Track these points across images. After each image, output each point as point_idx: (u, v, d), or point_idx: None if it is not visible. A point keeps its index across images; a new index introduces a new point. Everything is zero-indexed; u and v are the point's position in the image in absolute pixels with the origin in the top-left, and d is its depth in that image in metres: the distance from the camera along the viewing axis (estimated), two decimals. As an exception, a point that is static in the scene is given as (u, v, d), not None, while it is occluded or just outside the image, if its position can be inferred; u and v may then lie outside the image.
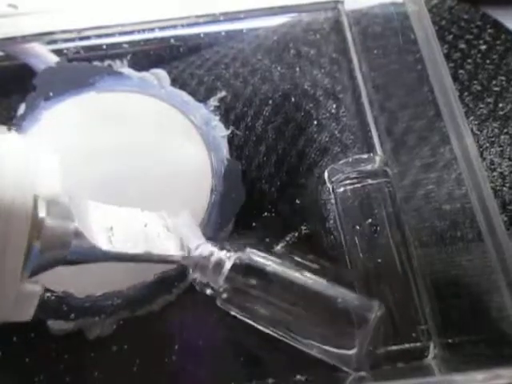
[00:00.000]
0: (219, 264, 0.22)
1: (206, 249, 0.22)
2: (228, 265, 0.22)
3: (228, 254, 0.22)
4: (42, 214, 0.18)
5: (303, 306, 0.22)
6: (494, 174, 0.28)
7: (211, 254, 0.22)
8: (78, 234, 0.19)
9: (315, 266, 0.24)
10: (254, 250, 0.23)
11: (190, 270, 0.22)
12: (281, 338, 0.22)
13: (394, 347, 0.23)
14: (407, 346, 0.23)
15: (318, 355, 0.22)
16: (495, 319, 0.22)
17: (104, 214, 0.21)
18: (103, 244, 0.20)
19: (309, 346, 0.22)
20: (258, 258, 0.23)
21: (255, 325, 0.23)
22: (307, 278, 0.22)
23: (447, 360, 0.23)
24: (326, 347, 0.22)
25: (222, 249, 0.23)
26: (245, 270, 0.22)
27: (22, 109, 0.29)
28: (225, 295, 0.22)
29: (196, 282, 0.23)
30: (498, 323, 0.22)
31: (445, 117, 0.23)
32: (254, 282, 0.22)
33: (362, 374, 0.22)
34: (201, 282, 0.22)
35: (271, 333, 0.22)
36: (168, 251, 0.22)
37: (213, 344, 0.24)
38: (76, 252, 0.19)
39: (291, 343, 0.22)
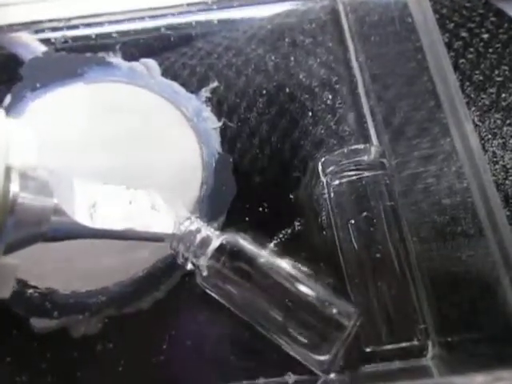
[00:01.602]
0: (205, 242, 0.22)
1: (193, 224, 0.22)
2: (215, 244, 0.21)
3: (216, 233, 0.22)
4: (15, 187, 0.17)
5: (282, 303, 0.21)
6: (497, 166, 0.27)
7: (198, 231, 0.22)
8: (57, 210, 0.19)
9: (304, 264, 0.23)
10: (245, 236, 0.22)
11: (174, 242, 0.22)
12: (258, 328, 0.22)
13: (391, 346, 0.22)
14: (405, 345, 0.22)
15: (291, 352, 0.22)
16: (497, 317, 0.21)
17: (87, 191, 0.21)
18: (84, 220, 0.19)
19: (282, 342, 0.22)
20: (247, 244, 0.22)
21: (231, 308, 0.22)
22: (292, 277, 0.22)
23: (446, 360, 0.22)
24: (300, 348, 0.21)
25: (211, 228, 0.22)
26: (231, 253, 0.22)
27: (7, 99, 0.28)
28: (205, 273, 0.21)
29: (178, 253, 0.22)
30: (500, 321, 0.21)
31: (445, 107, 0.22)
32: (237, 266, 0.21)
33: (332, 376, 0.21)
34: (183, 255, 0.22)
35: (247, 319, 0.22)
36: (153, 228, 0.21)
37: (201, 343, 0.23)
38: (56, 228, 0.19)
39: (266, 335, 0.22)
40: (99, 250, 0.24)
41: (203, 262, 0.21)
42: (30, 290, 0.23)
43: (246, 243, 0.22)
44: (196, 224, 0.22)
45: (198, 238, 0.22)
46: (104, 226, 0.20)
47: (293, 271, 0.22)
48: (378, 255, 0.23)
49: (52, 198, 0.19)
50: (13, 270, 0.18)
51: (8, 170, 0.17)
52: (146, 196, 0.22)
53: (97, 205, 0.20)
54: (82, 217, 0.20)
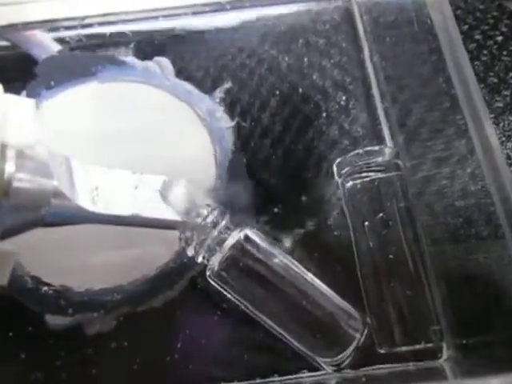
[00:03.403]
0: (221, 237, 0.21)
1: (210, 217, 0.21)
2: (231, 240, 0.21)
3: (232, 229, 0.22)
4: (10, 166, 0.16)
5: (294, 305, 0.21)
6: (511, 169, 0.27)
7: (215, 225, 0.21)
8: (57, 193, 0.18)
9: (317, 265, 0.23)
10: (261, 234, 0.22)
11: (186, 232, 0.21)
12: (266, 326, 0.22)
13: (405, 348, 0.22)
14: (419, 346, 0.22)
15: (300, 348, 0.22)
16: (513, 320, 0.21)
17: (89, 174, 0.20)
18: (86, 204, 0.18)
19: (292, 342, 0.22)
20: (263, 242, 0.22)
21: (239, 304, 0.22)
22: (306, 281, 0.22)
23: (461, 362, 0.22)
24: (309, 352, 0.21)
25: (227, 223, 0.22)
26: (246, 250, 0.21)
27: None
28: (216, 268, 0.21)
29: (189, 245, 0.22)
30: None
31: (463, 106, 0.22)
32: (251, 264, 0.21)
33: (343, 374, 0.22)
34: (195, 248, 0.21)
35: (256, 318, 0.22)
36: (160, 215, 0.20)
37: (215, 341, 0.23)
38: (56, 213, 0.18)
39: (274, 333, 0.22)
40: (113, 249, 0.24)
41: (217, 257, 0.21)
42: (45, 288, 0.23)
43: (261, 241, 0.22)
44: (212, 218, 0.21)
45: (214, 232, 0.21)
46: (107, 211, 0.19)
47: (306, 273, 0.22)
48: (391, 256, 0.23)
49: (52, 180, 0.17)
50: (10, 256, 0.18)
51: (3, 148, 0.16)
52: (153, 181, 0.21)
53: (99, 188, 0.19)
54: (84, 201, 0.19)
